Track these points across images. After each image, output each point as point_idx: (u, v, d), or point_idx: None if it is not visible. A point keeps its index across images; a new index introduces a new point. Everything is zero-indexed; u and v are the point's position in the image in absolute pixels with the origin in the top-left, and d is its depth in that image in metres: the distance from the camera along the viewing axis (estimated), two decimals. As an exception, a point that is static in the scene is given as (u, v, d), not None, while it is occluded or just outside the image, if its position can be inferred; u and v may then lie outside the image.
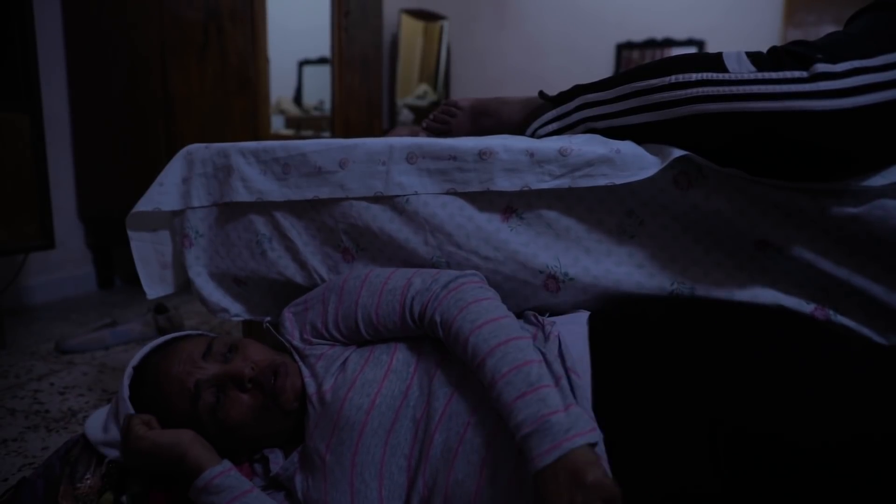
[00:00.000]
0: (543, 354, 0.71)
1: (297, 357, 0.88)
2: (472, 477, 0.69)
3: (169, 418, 0.82)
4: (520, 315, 0.89)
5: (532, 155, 0.87)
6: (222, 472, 0.76)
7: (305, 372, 0.85)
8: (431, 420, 0.73)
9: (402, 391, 0.78)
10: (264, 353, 0.86)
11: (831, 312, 0.80)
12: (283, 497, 0.81)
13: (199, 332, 0.97)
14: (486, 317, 0.73)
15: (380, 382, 0.78)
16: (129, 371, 0.88)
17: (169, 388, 0.82)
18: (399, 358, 0.82)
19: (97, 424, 0.91)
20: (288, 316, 0.92)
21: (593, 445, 0.61)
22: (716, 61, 0.78)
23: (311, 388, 0.83)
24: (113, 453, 0.87)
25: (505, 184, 0.88)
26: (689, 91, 0.78)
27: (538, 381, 0.64)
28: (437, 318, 0.77)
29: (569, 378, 0.71)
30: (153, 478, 0.86)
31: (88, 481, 0.86)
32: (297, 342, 0.89)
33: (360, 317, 0.85)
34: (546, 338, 0.78)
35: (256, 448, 0.86)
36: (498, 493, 0.67)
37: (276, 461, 0.85)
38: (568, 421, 0.61)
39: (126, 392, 0.85)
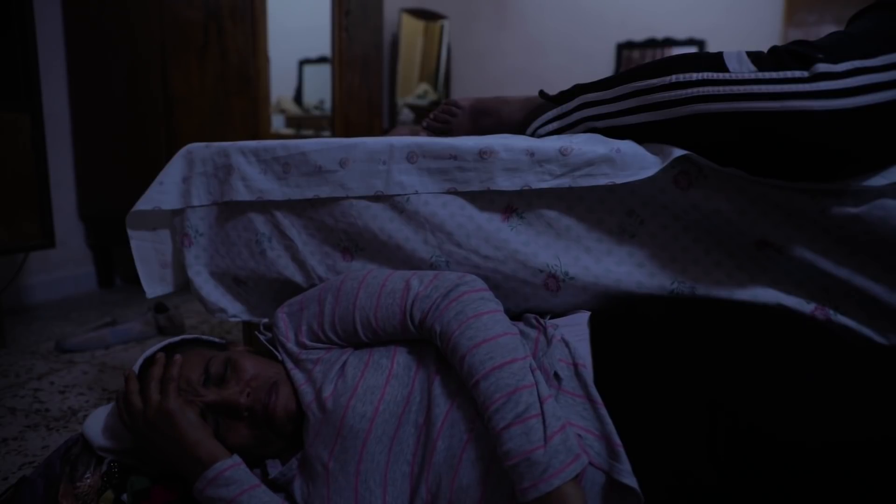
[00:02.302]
0: (535, 372, 0.70)
1: (290, 364, 0.87)
2: (477, 483, 0.68)
3: None
4: (520, 317, 0.89)
5: (532, 154, 0.87)
6: (233, 465, 0.76)
7: (301, 378, 0.84)
8: (433, 427, 0.73)
9: (405, 396, 0.77)
10: (258, 370, 0.85)
11: (831, 312, 0.80)
12: (283, 498, 0.81)
13: (194, 336, 0.97)
14: (485, 335, 0.73)
15: (382, 389, 0.78)
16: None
17: None
18: (399, 361, 0.81)
19: (96, 427, 0.91)
20: (281, 316, 0.91)
21: (576, 477, 0.62)
22: (716, 61, 0.78)
23: (309, 396, 0.82)
24: (115, 455, 0.88)
25: (505, 183, 0.88)
26: (689, 91, 0.78)
27: (525, 411, 0.65)
28: (437, 329, 0.77)
29: (577, 371, 0.73)
30: (157, 474, 0.86)
31: (88, 480, 0.86)
32: (291, 345, 0.88)
33: (357, 319, 0.84)
34: (549, 341, 0.78)
35: (257, 461, 0.86)
36: (503, 498, 0.67)
37: (275, 466, 0.84)
38: (545, 459, 0.62)
39: None
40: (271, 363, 0.88)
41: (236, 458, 0.78)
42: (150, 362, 0.87)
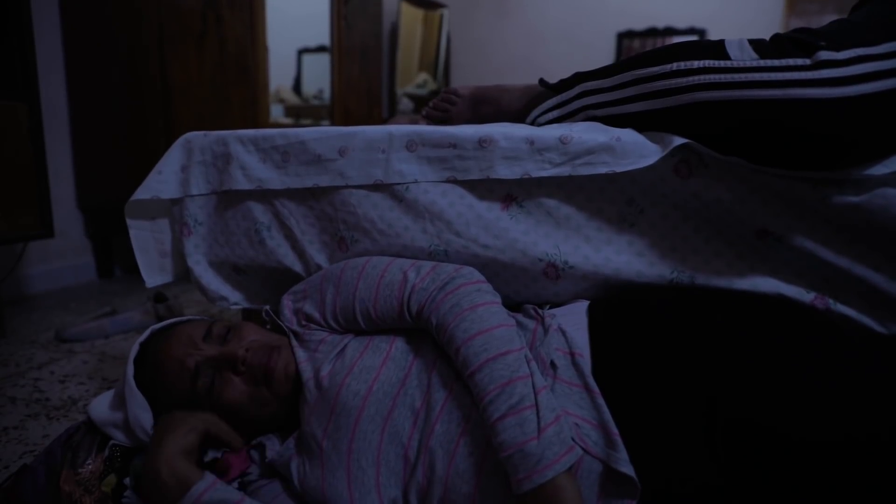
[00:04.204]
0: (530, 363, 0.71)
1: (295, 341, 0.89)
2: (474, 469, 0.69)
3: (169, 398, 0.83)
4: (518, 308, 0.89)
5: (532, 143, 0.87)
6: (209, 487, 0.70)
7: (302, 356, 0.86)
8: (432, 411, 0.73)
9: (400, 379, 0.78)
10: (260, 335, 0.87)
11: (831, 301, 0.80)
12: (281, 488, 0.81)
13: (202, 317, 0.98)
14: (479, 327, 0.73)
15: (378, 369, 0.79)
16: (135, 347, 0.88)
17: (169, 368, 0.83)
18: (398, 346, 0.82)
19: (103, 405, 0.92)
20: (287, 303, 0.93)
21: (570, 468, 0.63)
22: (718, 49, 0.78)
23: (308, 372, 0.83)
24: (118, 434, 0.88)
25: (505, 172, 0.88)
26: (690, 79, 0.78)
27: (519, 402, 0.65)
28: (434, 321, 0.78)
29: (574, 360, 0.73)
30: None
31: (90, 466, 0.87)
32: (295, 327, 0.90)
33: (357, 310, 0.85)
34: (546, 331, 0.78)
35: (254, 432, 0.86)
36: (499, 485, 0.67)
37: (273, 447, 0.85)
38: (539, 450, 0.62)
39: (131, 370, 0.86)
40: (275, 334, 0.90)
41: (209, 478, 0.71)
42: (147, 346, 0.88)
